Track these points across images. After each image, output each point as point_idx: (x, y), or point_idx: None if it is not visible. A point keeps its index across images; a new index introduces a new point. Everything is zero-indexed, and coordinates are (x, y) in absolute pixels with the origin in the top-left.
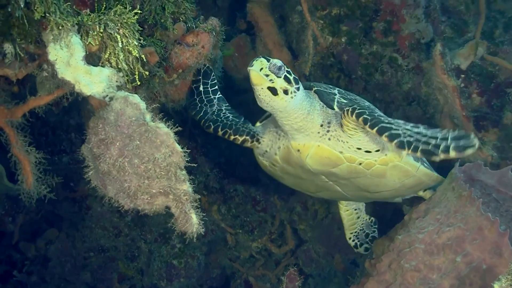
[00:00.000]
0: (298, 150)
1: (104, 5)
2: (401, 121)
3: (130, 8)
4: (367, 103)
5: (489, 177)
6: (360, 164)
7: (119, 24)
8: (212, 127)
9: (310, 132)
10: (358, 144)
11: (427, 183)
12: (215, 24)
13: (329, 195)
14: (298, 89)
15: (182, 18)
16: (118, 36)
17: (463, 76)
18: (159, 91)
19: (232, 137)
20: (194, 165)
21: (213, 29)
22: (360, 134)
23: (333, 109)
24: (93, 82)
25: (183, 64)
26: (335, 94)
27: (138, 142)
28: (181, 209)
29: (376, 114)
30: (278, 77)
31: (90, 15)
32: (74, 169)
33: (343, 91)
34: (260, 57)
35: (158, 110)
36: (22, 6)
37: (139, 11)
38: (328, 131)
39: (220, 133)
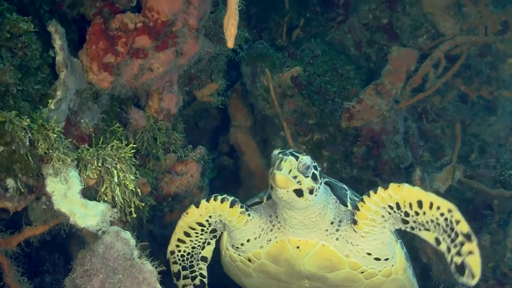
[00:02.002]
0: (298, 247)
1: (102, 140)
2: None
3: (126, 142)
4: None
5: None
6: (362, 272)
7: (116, 159)
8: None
9: (317, 229)
10: (370, 249)
11: None
12: (203, 153)
13: None
14: (321, 183)
15: (172, 148)
16: (115, 171)
17: None
18: (148, 219)
19: (219, 198)
20: None
21: (202, 158)
22: (376, 232)
23: (346, 206)
24: (88, 215)
25: (173, 192)
26: (347, 190)
27: (120, 276)
28: None
29: None
30: (306, 177)
31: (88, 149)
32: None
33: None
34: (288, 155)
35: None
36: (27, 144)
37: (134, 145)
38: (337, 230)
39: (203, 204)
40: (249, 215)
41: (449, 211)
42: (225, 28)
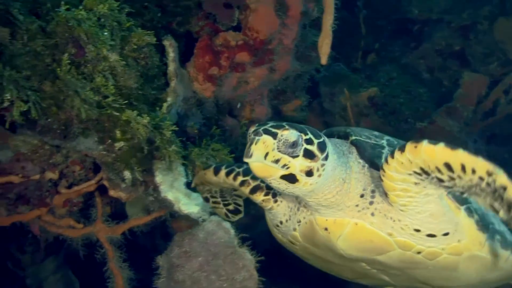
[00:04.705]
0: (326, 229)
1: (204, 141)
2: None
3: (223, 145)
4: None
5: None
6: (419, 253)
7: (217, 159)
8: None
9: (343, 206)
10: (416, 224)
11: None
12: None
13: (373, 283)
14: (326, 158)
15: None
16: None
17: None
18: None
19: (239, 179)
20: None
21: None
22: (418, 202)
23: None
24: (191, 203)
25: None
26: (384, 147)
27: (221, 262)
28: None
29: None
30: (294, 157)
31: (194, 148)
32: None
33: (395, 141)
34: (260, 134)
35: None
36: (145, 140)
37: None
38: (371, 202)
39: (223, 172)
40: (275, 201)
41: (489, 174)
42: (319, 47)
